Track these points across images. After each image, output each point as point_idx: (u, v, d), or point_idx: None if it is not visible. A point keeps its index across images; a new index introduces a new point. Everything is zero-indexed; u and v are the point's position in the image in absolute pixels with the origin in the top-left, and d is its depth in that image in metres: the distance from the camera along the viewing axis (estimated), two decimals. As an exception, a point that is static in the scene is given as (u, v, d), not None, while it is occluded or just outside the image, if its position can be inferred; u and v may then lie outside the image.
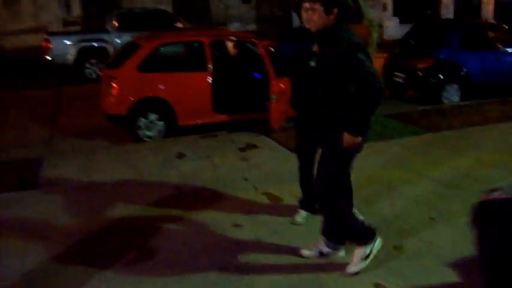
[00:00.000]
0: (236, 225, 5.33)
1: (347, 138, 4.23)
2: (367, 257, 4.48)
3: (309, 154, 5.31)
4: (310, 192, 5.41)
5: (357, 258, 4.47)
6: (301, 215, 5.43)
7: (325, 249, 4.72)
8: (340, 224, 4.58)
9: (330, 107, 4.35)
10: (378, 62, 12.17)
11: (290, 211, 5.54)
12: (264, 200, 6.00)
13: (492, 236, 3.29)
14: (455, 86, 12.35)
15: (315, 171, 5.30)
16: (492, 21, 25.07)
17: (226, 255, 4.74)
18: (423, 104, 11.77)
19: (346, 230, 4.59)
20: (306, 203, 5.47)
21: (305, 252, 4.75)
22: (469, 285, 4.27)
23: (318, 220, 5.24)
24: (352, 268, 4.45)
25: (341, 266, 4.53)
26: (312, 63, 4.67)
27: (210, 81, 9.04)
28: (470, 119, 10.20)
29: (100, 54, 15.96)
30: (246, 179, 6.63)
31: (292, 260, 4.67)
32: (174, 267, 4.55)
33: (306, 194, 5.45)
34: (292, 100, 5.31)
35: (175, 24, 17.04)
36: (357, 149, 4.38)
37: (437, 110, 11.09)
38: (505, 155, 7.77)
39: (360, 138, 4.26)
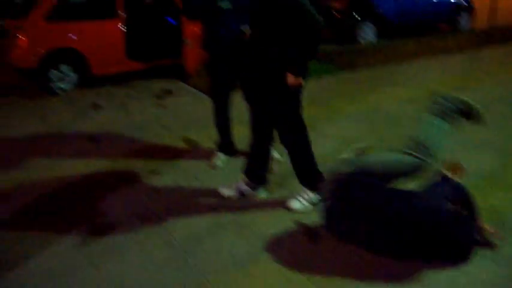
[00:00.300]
0: (154, 173, 5.25)
1: (291, 79, 4.15)
2: (313, 204, 4.48)
3: (223, 97, 5.24)
4: (227, 135, 5.40)
5: (306, 198, 4.50)
6: (220, 158, 5.40)
7: (245, 189, 4.72)
8: (304, 165, 4.56)
9: (267, 49, 4.26)
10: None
11: (209, 155, 5.50)
12: (182, 145, 5.93)
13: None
14: (370, 25, 12.50)
15: (230, 114, 5.31)
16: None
17: (146, 203, 4.66)
18: (339, 43, 11.87)
19: (306, 171, 4.57)
20: (224, 146, 5.44)
21: (225, 191, 4.74)
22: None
23: (237, 162, 5.26)
24: (296, 204, 4.47)
25: (261, 207, 4.55)
26: (224, 5, 4.59)
27: (123, 28, 8.77)
28: (385, 57, 10.39)
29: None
30: (163, 126, 6.53)
31: (213, 203, 4.64)
32: (91, 218, 4.44)
33: (223, 137, 5.42)
34: (204, 43, 5.18)
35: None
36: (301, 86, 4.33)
37: (354, 49, 11.22)
38: (418, 91, 7.99)
39: (301, 79, 4.20)
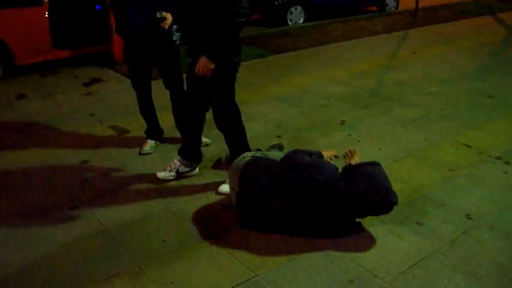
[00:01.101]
0: (84, 162, 5.17)
1: (201, 61, 4.17)
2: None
3: (144, 82, 5.22)
4: (153, 121, 5.38)
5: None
6: (149, 144, 5.37)
7: (182, 168, 4.75)
8: (240, 149, 4.55)
9: (190, 33, 4.25)
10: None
11: (138, 142, 5.46)
12: (111, 133, 5.85)
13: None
14: (299, 8, 12.60)
15: (152, 99, 5.32)
16: None
17: (76, 193, 4.59)
18: (269, 26, 11.92)
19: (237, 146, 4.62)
20: (152, 132, 5.42)
21: (161, 174, 4.74)
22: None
23: (166, 148, 5.25)
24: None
25: (192, 192, 4.56)
26: None
27: (47, 16, 8.52)
28: (314, 39, 10.52)
29: None
30: (92, 114, 6.42)
31: (143, 190, 4.61)
32: (22, 209, 4.34)
33: (150, 123, 5.39)
34: (117, 28, 5.08)
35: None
36: (232, 70, 4.38)
37: (283, 32, 11.29)
38: (346, 72, 8.14)
39: (212, 64, 4.18)
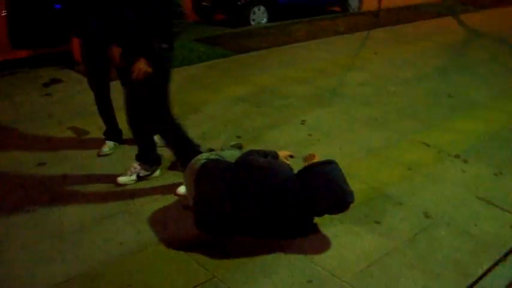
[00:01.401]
0: (41, 164, 5.06)
1: (140, 63, 4.11)
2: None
3: (102, 83, 5.15)
4: (112, 122, 5.32)
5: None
6: (108, 145, 5.29)
7: (143, 172, 4.70)
8: (182, 152, 4.52)
9: (126, 33, 4.20)
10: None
11: (97, 144, 5.37)
12: (70, 135, 5.75)
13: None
14: (262, 8, 12.60)
15: (110, 100, 5.27)
16: None
17: (33, 195, 4.49)
18: (232, 27, 11.90)
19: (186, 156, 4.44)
20: (111, 133, 5.35)
21: (121, 178, 4.67)
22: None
23: (125, 149, 5.20)
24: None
25: (150, 193, 4.52)
26: None
27: (5, 15, 8.34)
28: (277, 39, 10.53)
29: None
30: (50, 115, 6.30)
31: (101, 192, 4.54)
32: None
33: (109, 124, 5.33)
34: (74, 30, 5.03)
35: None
36: (164, 76, 4.31)
37: (245, 32, 11.28)
38: (307, 72, 8.16)
39: (150, 68, 4.15)
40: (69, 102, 6.81)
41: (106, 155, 5.22)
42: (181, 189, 4.42)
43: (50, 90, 7.30)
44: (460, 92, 7.29)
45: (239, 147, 5.09)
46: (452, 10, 14.42)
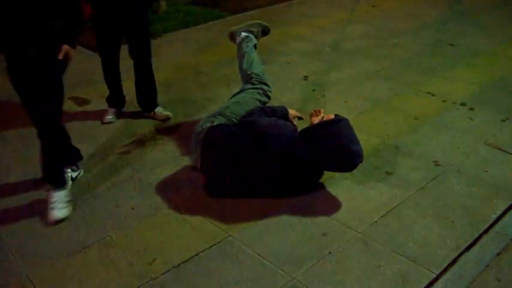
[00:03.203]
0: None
1: (68, 51, 3.72)
2: (74, 179, 4.14)
3: (112, 47, 5.01)
4: (118, 89, 5.25)
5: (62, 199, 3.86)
6: (111, 112, 5.25)
7: (75, 174, 4.21)
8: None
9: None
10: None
11: (100, 112, 5.32)
12: (72, 105, 5.70)
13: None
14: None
15: (119, 68, 5.14)
16: None
17: (39, 167, 4.45)
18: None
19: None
20: (114, 100, 5.29)
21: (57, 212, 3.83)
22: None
23: (127, 117, 5.17)
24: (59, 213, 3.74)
25: (158, 158, 4.49)
26: None
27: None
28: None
29: None
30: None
31: (110, 160, 4.50)
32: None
33: (114, 91, 5.25)
34: None
35: None
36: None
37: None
38: (306, 28, 8.08)
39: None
40: (68, 71, 6.71)
41: (110, 122, 5.17)
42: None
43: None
44: (461, 41, 7.22)
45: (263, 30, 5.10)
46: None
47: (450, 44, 7.07)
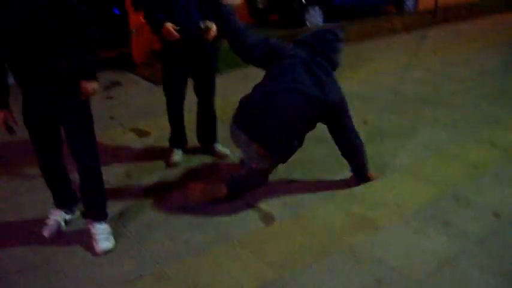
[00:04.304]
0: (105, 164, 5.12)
1: (89, 86, 3.59)
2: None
3: (178, 87, 4.99)
4: (181, 128, 5.24)
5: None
6: (177, 153, 5.23)
7: (68, 216, 4.21)
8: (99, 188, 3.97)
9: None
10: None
11: (160, 146, 5.43)
12: (133, 136, 5.83)
13: None
14: (317, 9, 12.51)
15: (183, 105, 5.11)
16: None
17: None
18: (287, 28, 11.86)
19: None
20: (177, 141, 5.28)
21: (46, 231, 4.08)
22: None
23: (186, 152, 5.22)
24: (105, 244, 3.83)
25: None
26: None
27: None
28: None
29: None
30: (112, 117, 6.40)
31: (162, 194, 4.59)
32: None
33: (177, 131, 5.24)
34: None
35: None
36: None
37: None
38: (366, 71, 8.08)
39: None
40: (130, 104, 6.90)
41: (177, 163, 5.14)
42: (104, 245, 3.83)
43: (111, 92, 7.41)
44: (524, 90, 7.10)
45: None
46: (510, 6, 14.04)
47: (508, 93, 6.95)
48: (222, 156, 5.23)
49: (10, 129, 3.59)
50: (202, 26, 4.54)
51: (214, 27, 4.58)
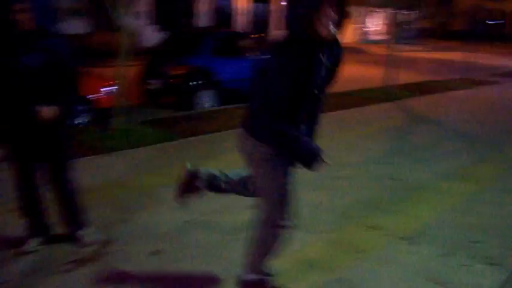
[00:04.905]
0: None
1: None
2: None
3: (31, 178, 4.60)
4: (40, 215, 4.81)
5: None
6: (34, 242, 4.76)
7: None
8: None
9: None
10: (134, 70, 12.17)
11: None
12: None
13: None
14: (207, 92, 12.71)
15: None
16: (242, 30, 26.48)
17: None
18: (178, 110, 11.95)
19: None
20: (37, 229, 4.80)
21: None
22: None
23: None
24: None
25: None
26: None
27: None
28: (221, 123, 10.51)
29: None
30: None
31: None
32: None
33: (34, 219, 4.75)
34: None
35: None
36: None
37: (190, 115, 11.31)
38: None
39: None
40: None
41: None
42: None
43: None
44: (403, 176, 7.41)
45: None
46: (395, 95, 14.91)
47: (392, 178, 7.25)
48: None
49: None
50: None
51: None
